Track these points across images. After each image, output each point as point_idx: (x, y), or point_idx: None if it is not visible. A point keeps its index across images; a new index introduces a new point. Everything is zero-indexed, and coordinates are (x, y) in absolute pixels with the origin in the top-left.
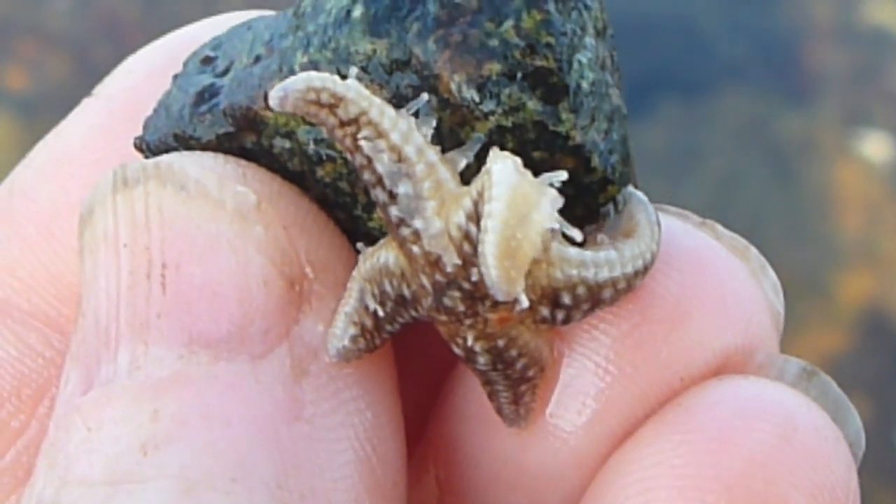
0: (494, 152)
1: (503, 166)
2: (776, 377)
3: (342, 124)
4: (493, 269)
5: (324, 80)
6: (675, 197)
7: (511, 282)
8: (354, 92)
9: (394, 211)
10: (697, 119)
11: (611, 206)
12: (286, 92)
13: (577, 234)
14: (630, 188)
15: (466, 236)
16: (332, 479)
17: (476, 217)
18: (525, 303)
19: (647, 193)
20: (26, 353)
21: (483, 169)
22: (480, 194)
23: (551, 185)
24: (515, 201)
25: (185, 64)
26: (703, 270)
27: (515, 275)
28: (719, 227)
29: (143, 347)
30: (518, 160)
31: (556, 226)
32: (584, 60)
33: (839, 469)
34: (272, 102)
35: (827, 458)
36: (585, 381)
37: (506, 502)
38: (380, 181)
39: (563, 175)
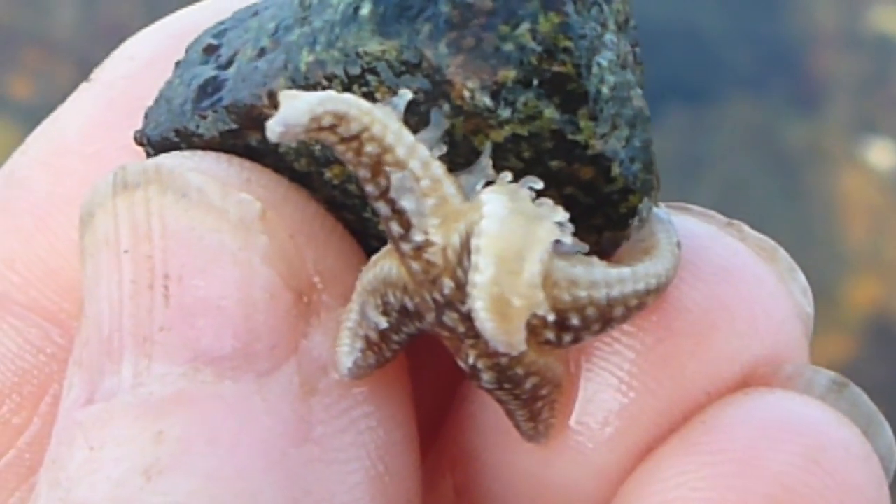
0: (491, 187)
1: (493, 205)
2: (804, 390)
3: (343, 140)
4: (487, 322)
5: (323, 103)
6: None
7: (510, 332)
8: (356, 108)
9: (395, 226)
10: (703, 126)
11: (634, 218)
12: (287, 128)
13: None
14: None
15: (460, 263)
16: (342, 503)
17: (469, 250)
18: (522, 348)
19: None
20: (26, 349)
21: (474, 201)
22: (468, 234)
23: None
24: (505, 248)
25: (187, 51)
26: (729, 280)
27: (515, 324)
28: (746, 228)
29: (146, 362)
30: (509, 195)
31: (566, 238)
32: (605, 63)
33: (870, 491)
34: (271, 137)
35: (857, 479)
36: (608, 396)
37: None
38: (383, 194)
39: (538, 183)
